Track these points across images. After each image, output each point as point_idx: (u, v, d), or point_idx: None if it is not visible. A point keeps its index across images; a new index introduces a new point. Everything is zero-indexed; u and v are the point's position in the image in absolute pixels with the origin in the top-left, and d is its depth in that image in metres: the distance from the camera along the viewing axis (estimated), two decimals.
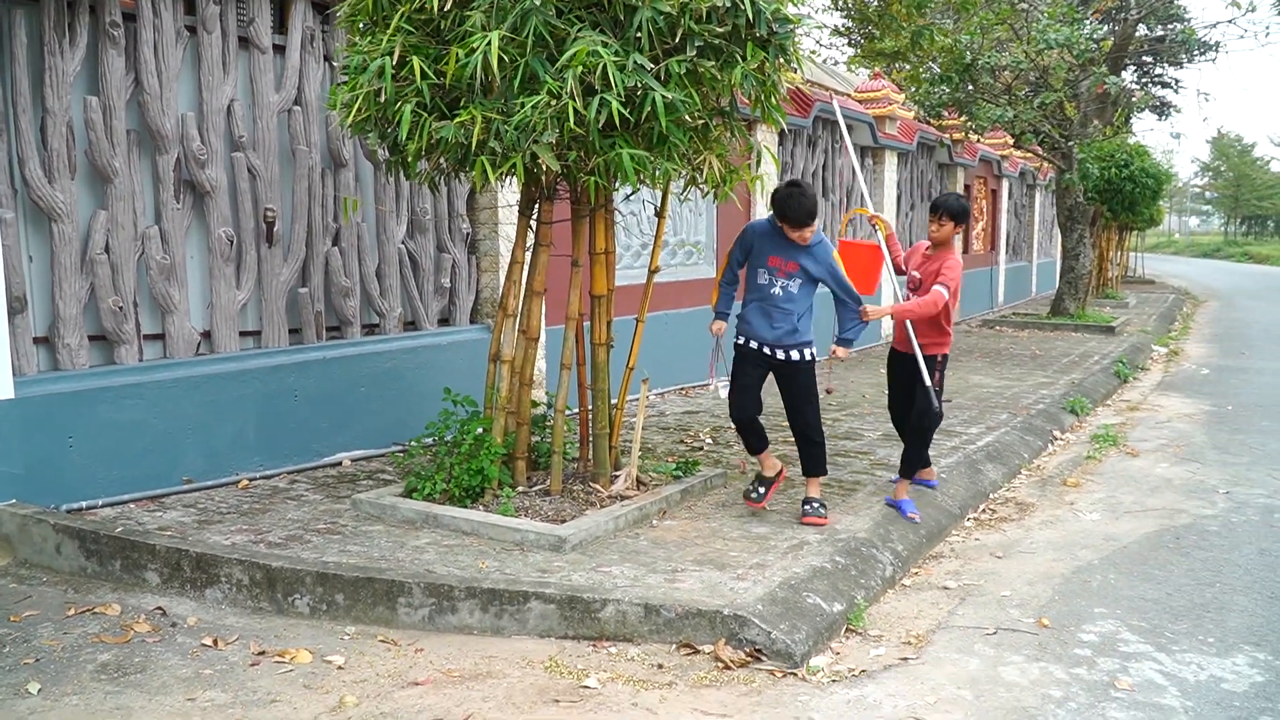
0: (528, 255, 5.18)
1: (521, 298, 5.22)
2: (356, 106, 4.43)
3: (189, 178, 5.53)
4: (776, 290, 4.86)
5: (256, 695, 3.33)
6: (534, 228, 5.15)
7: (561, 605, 3.83)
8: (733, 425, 5.22)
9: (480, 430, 5.16)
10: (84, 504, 4.96)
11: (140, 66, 5.26)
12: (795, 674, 3.57)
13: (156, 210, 5.44)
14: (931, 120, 14.90)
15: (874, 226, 5.32)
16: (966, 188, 17.28)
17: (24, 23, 4.84)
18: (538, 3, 4.05)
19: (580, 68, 4.05)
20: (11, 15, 4.80)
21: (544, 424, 5.65)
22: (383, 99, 4.37)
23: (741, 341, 5.00)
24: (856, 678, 3.57)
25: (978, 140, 16.69)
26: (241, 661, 3.58)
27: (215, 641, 3.72)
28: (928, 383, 5.12)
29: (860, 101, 13.08)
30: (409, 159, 4.61)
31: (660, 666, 3.60)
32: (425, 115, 4.35)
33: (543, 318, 5.31)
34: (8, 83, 4.80)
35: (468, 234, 7.20)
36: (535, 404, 5.45)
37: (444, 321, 7.16)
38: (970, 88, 13.64)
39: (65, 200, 5.00)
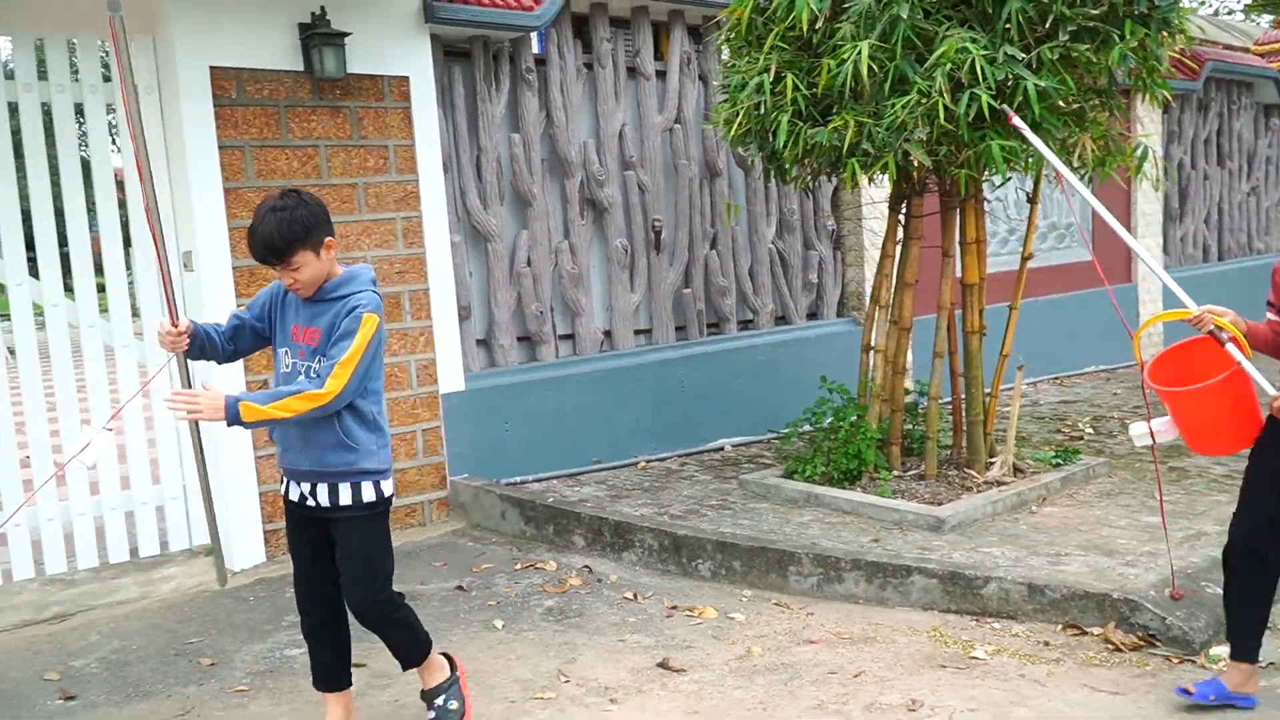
0: (898, 249, 5.38)
1: (893, 289, 5.43)
2: (738, 122, 4.88)
3: (590, 197, 6.32)
4: (301, 380, 2.90)
5: (675, 641, 3.86)
6: (903, 222, 5.34)
7: (944, 580, 4.02)
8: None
9: (855, 417, 5.44)
10: (518, 479, 5.86)
11: (550, 104, 6.09)
12: (1194, 661, 3.50)
13: (565, 227, 6.27)
14: None
15: (1220, 337, 3.01)
16: None
17: (460, 76, 5.82)
18: (905, 12, 4.25)
19: (949, 65, 4.21)
20: (451, 71, 5.78)
21: (916, 411, 5.81)
22: (761, 112, 4.79)
23: (281, 486, 3.14)
24: (1264, 669, 3.43)
25: None
26: (658, 614, 4.14)
27: (635, 596, 4.32)
28: None
29: (1262, 55, 11.75)
30: (785, 165, 5.00)
31: (1046, 644, 3.68)
32: (800, 124, 4.71)
33: (913, 308, 5.48)
34: (450, 128, 5.78)
35: (833, 231, 7.50)
36: (907, 392, 5.63)
37: (812, 315, 7.51)
38: None
39: (496, 223, 5.93)
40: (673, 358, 6.57)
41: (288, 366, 3.00)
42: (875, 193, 7.35)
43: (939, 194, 5.26)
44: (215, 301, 4.86)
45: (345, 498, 2.98)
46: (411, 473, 5.52)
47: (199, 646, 4.04)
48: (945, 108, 4.24)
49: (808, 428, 6.00)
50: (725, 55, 5.52)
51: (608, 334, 6.48)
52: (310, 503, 3.02)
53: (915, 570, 4.08)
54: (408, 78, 5.39)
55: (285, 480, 3.09)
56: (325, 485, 2.98)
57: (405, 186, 5.42)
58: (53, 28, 4.82)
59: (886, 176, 4.66)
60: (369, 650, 3.89)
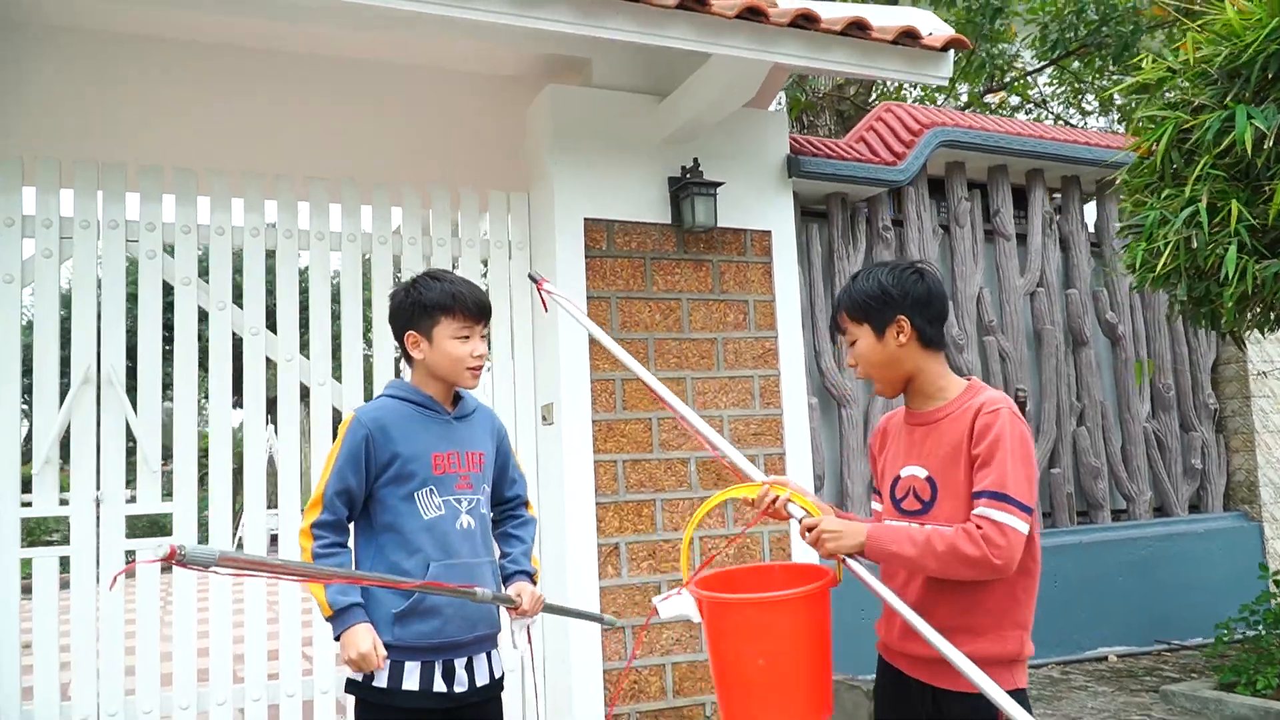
0: None
1: None
2: (1163, 260, 4.27)
3: (949, 362, 5.78)
4: (465, 522, 2.37)
5: None
6: None
7: None
8: None
9: None
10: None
11: None
12: None
13: None
14: None
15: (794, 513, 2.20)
16: None
17: (818, 234, 5.59)
18: None
19: None
20: (809, 229, 5.57)
21: None
22: (1194, 246, 4.17)
23: (408, 683, 2.29)
24: None
25: None
26: None
27: None
28: None
29: None
30: (1221, 308, 4.30)
31: None
32: (1246, 258, 4.04)
33: None
34: (808, 285, 5.51)
35: (1214, 410, 6.53)
36: None
37: (1194, 508, 6.45)
38: None
39: (851, 387, 5.49)
40: (1044, 546, 5.71)
41: (434, 511, 2.32)
42: (1263, 364, 6.40)
43: None
44: (574, 454, 4.63)
45: (499, 664, 2.48)
46: None
47: None
48: None
49: (1242, 628, 4.93)
50: (1119, 201, 4.99)
51: None
52: (462, 688, 2.34)
53: None
54: (769, 232, 5.19)
55: (428, 665, 2.29)
56: (485, 654, 2.41)
57: (764, 343, 5.12)
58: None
59: None
60: None
